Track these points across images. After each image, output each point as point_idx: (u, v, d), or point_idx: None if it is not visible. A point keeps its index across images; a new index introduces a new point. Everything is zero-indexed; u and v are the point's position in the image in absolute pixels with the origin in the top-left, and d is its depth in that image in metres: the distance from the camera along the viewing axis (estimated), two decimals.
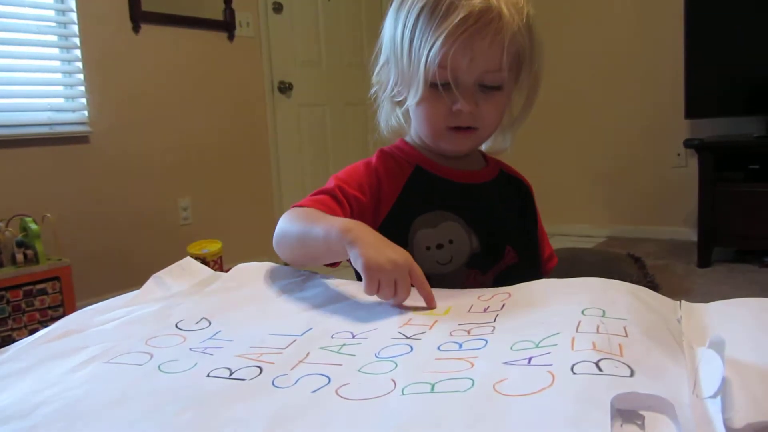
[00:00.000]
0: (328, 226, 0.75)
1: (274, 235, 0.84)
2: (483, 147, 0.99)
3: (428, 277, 0.83)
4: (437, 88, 0.84)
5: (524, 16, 0.85)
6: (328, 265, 0.85)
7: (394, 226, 0.88)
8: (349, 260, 0.75)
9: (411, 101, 0.87)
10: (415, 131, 0.94)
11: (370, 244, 0.71)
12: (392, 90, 0.92)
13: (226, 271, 0.86)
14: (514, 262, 0.93)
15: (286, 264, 0.86)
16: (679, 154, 3.59)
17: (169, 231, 3.14)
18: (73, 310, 2.38)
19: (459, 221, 0.90)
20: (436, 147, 0.93)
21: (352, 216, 0.85)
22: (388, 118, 0.97)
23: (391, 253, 0.70)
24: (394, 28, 0.89)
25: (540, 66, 0.91)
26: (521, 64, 0.88)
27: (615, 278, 0.71)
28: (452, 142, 0.90)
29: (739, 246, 3.15)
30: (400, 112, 0.95)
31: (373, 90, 0.98)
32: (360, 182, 0.90)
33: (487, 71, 0.84)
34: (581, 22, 3.81)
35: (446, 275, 0.88)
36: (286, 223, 0.83)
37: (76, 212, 2.77)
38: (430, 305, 0.69)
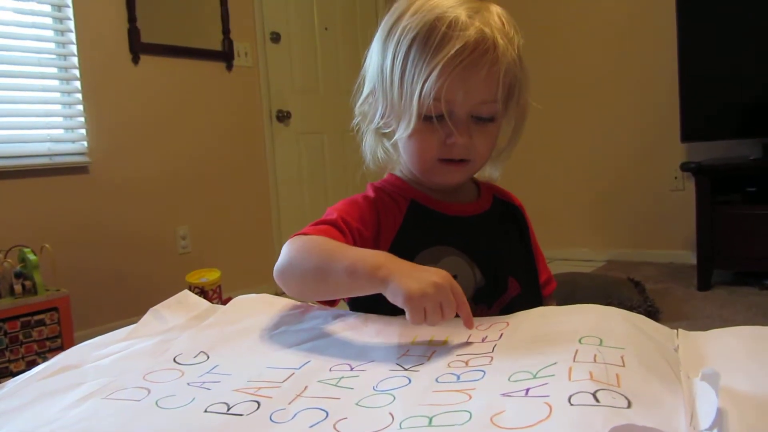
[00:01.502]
0: (354, 260, 0.72)
1: (279, 265, 0.78)
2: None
3: None
4: (430, 120, 0.82)
5: (516, 46, 0.84)
6: (325, 303, 0.82)
7: None
8: (369, 296, 0.72)
9: (402, 133, 0.85)
10: (405, 164, 0.92)
11: (406, 274, 0.67)
12: (380, 121, 0.89)
13: (225, 301, 0.86)
14: (517, 293, 0.91)
15: (284, 294, 0.84)
16: (676, 177, 3.61)
17: (167, 260, 3.14)
18: (71, 340, 2.37)
19: (461, 255, 0.88)
20: (427, 180, 0.90)
21: None
22: (374, 150, 0.94)
23: (430, 276, 0.67)
24: (382, 59, 0.86)
25: (528, 96, 0.90)
26: (512, 94, 0.87)
27: (615, 303, 0.71)
28: (444, 175, 0.88)
29: (738, 268, 3.15)
30: (388, 143, 0.92)
31: (355, 121, 0.94)
32: (362, 216, 0.87)
33: (481, 103, 0.82)
34: (575, 46, 3.85)
35: None
36: (295, 254, 0.77)
37: (75, 242, 2.77)
38: (468, 326, 0.67)
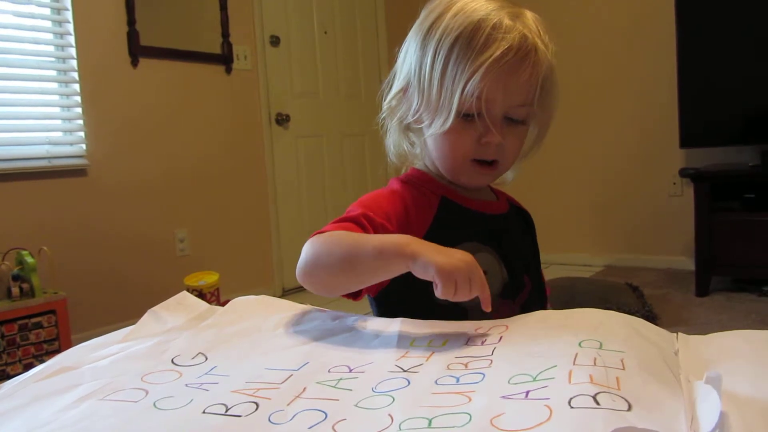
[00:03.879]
0: (380, 243, 0.74)
1: (304, 263, 0.78)
2: None
3: (467, 309, 0.83)
4: (467, 118, 0.84)
5: (551, 53, 0.86)
6: (350, 297, 0.82)
7: None
8: (398, 277, 0.74)
9: (437, 129, 0.86)
10: (430, 159, 0.93)
11: (435, 250, 0.70)
12: (413, 116, 0.90)
13: (223, 304, 0.85)
14: (529, 289, 0.95)
15: (284, 296, 0.85)
16: (674, 183, 3.61)
17: (166, 263, 3.13)
18: (68, 343, 2.37)
19: (492, 252, 0.90)
20: (453, 179, 0.92)
21: None
22: (398, 144, 0.96)
23: (458, 254, 0.70)
24: (421, 56, 0.87)
25: (555, 103, 0.92)
26: (544, 100, 0.88)
27: (613, 308, 0.71)
28: (473, 176, 0.89)
29: (737, 275, 3.15)
30: (416, 138, 0.94)
31: (382, 115, 0.96)
32: (386, 211, 0.86)
33: (518, 105, 0.84)
34: (574, 51, 3.85)
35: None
36: (321, 248, 0.77)
37: (73, 245, 2.77)
38: (486, 308, 0.70)
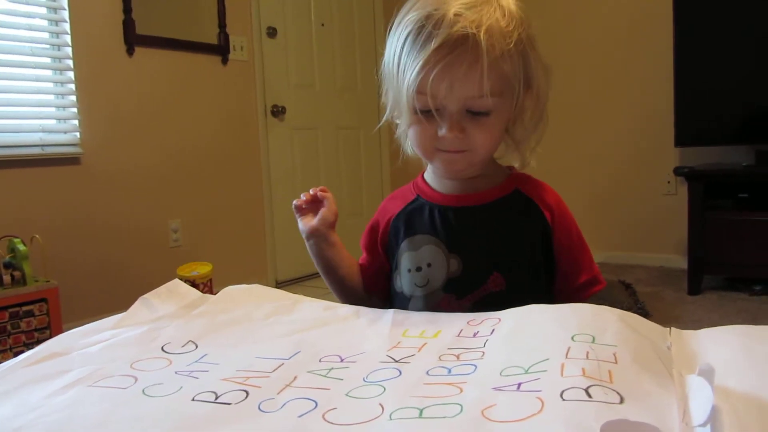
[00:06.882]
0: None
1: None
2: (516, 164, 0.98)
3: (408, 298, 0.92)
4: (425, 114, 0.83)
5: (511, 41, 0.82)
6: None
7: (391, 248, 0.98)
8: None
9: (402, 125, 0.89)
10: None
11: None
12: (390, 113, 0.91)
13: (215, 294, 0.85)
14: (499, 289, 0.89)
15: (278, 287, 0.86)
16: (668, 182, 3.62)
17: (159, 253, 3.12)
18: (59, 332, 2.35)
19: (439, 245, 0.91)
20: (434, 167, 0.94)
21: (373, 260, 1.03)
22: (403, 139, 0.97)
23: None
24: (387, 52, 0.88)
25: (542, 86, 0.90)
26: (513, 87, 0.85)
27: (606, 304, 0.71)
28: (445, 162, 0.88)
29: (729, 274, 3.16)
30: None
31: (387, 114, 0.96)
32: (376, 220, 1.03)
33: (470, 98, 0.82)
34: (570, 50, 3.85)
35: (422, 297, 0.90)
36: None
37: (65, 233, 2.75)
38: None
